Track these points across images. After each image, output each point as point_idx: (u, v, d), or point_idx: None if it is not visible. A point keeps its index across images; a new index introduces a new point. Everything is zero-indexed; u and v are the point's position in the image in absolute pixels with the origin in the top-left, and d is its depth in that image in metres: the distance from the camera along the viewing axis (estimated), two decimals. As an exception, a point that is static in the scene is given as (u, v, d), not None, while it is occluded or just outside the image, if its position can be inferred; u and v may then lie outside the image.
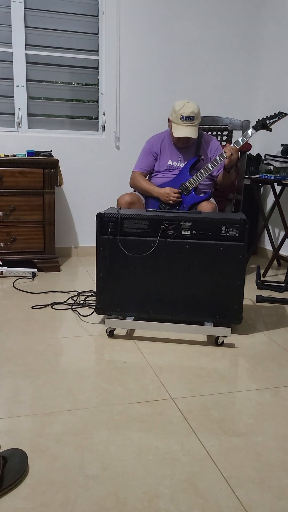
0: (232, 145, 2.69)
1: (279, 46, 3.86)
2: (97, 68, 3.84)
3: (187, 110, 2.70)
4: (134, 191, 3.01)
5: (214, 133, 3.37)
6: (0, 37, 3.59)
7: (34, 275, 3.26)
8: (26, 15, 3.60)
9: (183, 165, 2.85)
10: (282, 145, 3.55)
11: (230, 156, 2.65)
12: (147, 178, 2.98)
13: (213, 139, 2.97)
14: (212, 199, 2.85)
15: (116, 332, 2.30)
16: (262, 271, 3.50)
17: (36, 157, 3.37)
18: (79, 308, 2.65)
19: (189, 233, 2.24)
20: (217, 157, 2.72)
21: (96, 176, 3.93)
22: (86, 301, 2.75)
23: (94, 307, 2.65)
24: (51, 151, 3.55)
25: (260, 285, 3.10)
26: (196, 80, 3.98)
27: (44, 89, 3.79)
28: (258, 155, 3.93)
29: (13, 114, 3.72)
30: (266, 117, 2.65)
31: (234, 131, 3.39)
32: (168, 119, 2.84)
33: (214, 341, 2.21)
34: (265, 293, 3.02)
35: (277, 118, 2.62)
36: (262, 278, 3.37)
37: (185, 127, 2.71)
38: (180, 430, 1.50)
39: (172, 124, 2.78)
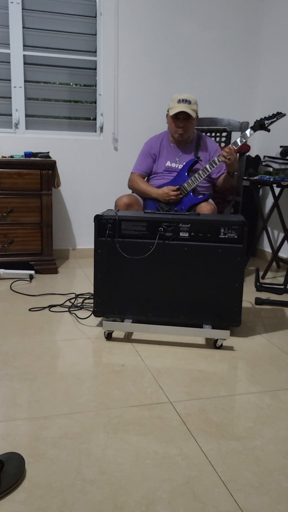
0: (230, 145, 2.69)
1: (277, 47, 3.86)
2: (95, 69, 3.84)
3: (184, 95, 2.77)
4: (132, 192, 3.00)
5: (213, 134, 3.36)
6: (-2, 38, 3.59)
7: (31, 277, 3.25)
8: (23, 16, 3.59)
9: (181, 166, 2.85)
10: (281, 146, 3.54)
11: (227, 160, 2.63)
12: (145, 180, 2.97)
13: (212, 141, 2.97)
14: (211, 200, 2.85)
15: (114, 335, 2.29)
16: (261, 273, 3.49)
17: (33, 159, 3.36)
18: (77, 310, 2.64)
19: (187, 235, 2.23)
20: (216, 159, 2.71)
21: (94, 178, 3.92)
22: (84, 304, 2.74)
23: (92, 309, 2.63)
24: (48, 152, 3.54)
25: (259, 287, 3.09)
26: (195, 81, 3.98)
27: (42, 90, 3.78)
28: (257, 156, 3.93)
29: (11, 115, 3.71)
30: (264, 117, 2.64)
31: (233, 132, 3.38)
32: (167, 115, 2.84)
33: (213, 344, 2.20)
34: (264, 295, 3.01)
35: (275, 118, 2.62)
36: (261, 280, 3.36)
37: (182, 105, 2.74)
38: (179, 434, 1.49)
39: (169, 110, 2.79)
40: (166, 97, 3.90)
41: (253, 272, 3.60)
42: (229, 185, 2.88)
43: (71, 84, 3.84)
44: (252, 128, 2.66)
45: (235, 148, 2.66)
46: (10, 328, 2.35)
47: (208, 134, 3.35)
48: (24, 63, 3.67)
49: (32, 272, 3.28)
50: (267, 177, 3.35)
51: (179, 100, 2.74)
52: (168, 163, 2.88)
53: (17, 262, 3.38)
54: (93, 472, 1.30)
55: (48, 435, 1.46)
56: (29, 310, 2.62)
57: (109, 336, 2.24)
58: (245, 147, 3.34)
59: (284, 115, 2.63)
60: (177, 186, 2.77)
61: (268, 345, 2.22)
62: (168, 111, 2.81)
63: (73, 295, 2.89)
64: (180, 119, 2.75)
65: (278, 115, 2.62)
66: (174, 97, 2.78)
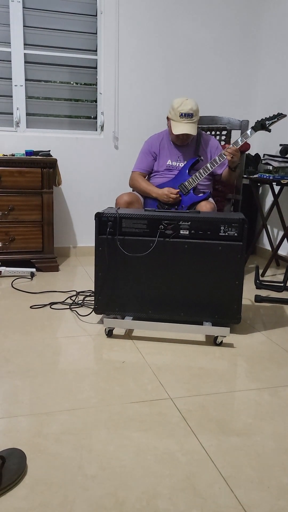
0: (231, 145, 2.69)
1: (278, 46, 3.86)
2: (96, 67, 3.84)
3: (186, 107, 2.69)
4: (133, 191, 3.01)
5: (213, 132, 3.37)
6: (-2, 36, 3.59)
7: (32, 275, 3.25)
8: (24, 15, 3.60)
9: (182, 164, 2.85)
10: (280, 145, 3.55)
11: (231, 159, 2.65)
12: (146, 178, 2.98)
13: (212, 139, 2.97)
14: (211, 199, 2.85)
15: (114, 332, 2.30)
16: (260, 271, 3.50)
17: (34, 157, 3.36)
18: (78, 308, 2.65)
19: (188, 232, 2.23)
20: (217, 157, 2.72)
21: (95, 176, 3.93)
22: (85, 301, 2.75)
23: (92, 306, 2.64)
24: (49, 150, 3.55)
25: (259, 285, 3.10)
26: (195, 80, 3.98)
27: (43, 88, 3.78)
28: (257, 155, 3.93)
29: (12, 113, 3.72)
30: (265, 117, 2.65)
31: (232, 131, 3.39)
32: (167, 117, 2.84)
33: (213, 341, 2.21)
34: (263, 293, 3.02)
35: (276, 119, 2.63)
36: (260, 278, 3.37)
37: (184, 124, 2.71)
38: (179, 430, 1.50)
39: (171, 121, 2.77)
40: (166, 96, 3.91)
41: (252, 270, 3.61)
42: (233, 179, 2.88)
43: (72, 82, 3.85)
44: (253, 128, 2.67)
45: (237, 148, 2.67)
46: (12, 325, 2.36)
47: (208, 132, 3.35)
48: (25, 62, 3.67)
49: (33, 269, 3.28)
50: (267, 175, 3.36)
51: (181, 115, 2.69)
52: (169, 162, 2.89)
53: (18, 260, 3.39)
54: (94, 468, 1.31)
55: (49, 431, 1.47)
56: (30, 307, 2.63)
57: (109, 333, 2.25)
58: (245, 146, 3.35)
59: (285, 115, 2.63)
60: (177, 190, 2.78)
61: (268, 342, 2.23)
62: (168, 117, 2.79)
63: (74, 293, 2.90)
64: (183, 136, 2.76)
65: (279, 116, 2.62)
66: (176, 107, 2.71)
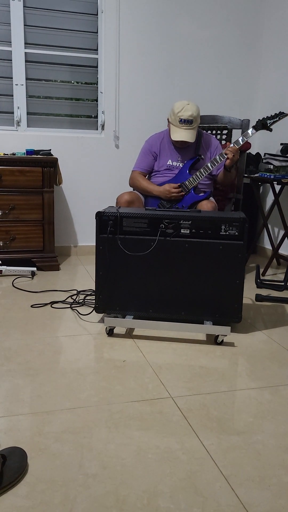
0: (232, 144, 2.69)
1: (279, 45, 3.85)
2: (97, 66, 3.84)
3: (186, 113, 2.68)
4: (133, 190, 3.01)
5: (214, 132, 3.37)
6: (-1, 35, 3.59)
7: (33, 274, 3.26)
8: (25, 14, 3.60)
9: (183, 164, 2.85)
10: (281, 144, 3.55)
11: (232, 158, 2.65)
12: (146, 177, 2.97)
13: (213, 138, 2.96)
14: (212, 198, 2.85)
15: (115, 331, 2.30)
16: (261, 270, 3.50)
17: (35, 156, 3.36)
18: (79, 307, 2.65)
19: (188, 232, 2.23)
20: (217, 157, 2.72)
21: (96, 175, 3.93)
22: (86, 300, 2.75)
23: (93, 306, 2.64)
24: (50, 150, 3.55)
25: (260, 284, 3.10)
26: (196, 79, 3.98)
27: (44, 87, 3.78)
28: (258, 154, 3.93)
29: (12, 112, 3.72)
30: (267, 117, 2.65)
31: (233, 130, 3.39)
32: (168, 119, 2.83)
33: (214, 340, 2.21)
34: (264, 292, 3.02)
35: (277, 118, 2.62)
36: (261, 277, 3.37)
37: (183, 130, 2.71)
38: (180, 429, 1.50)
39: (170, 125, 2.77)
40: (167, 95, 3.91)
41: (253, 269, 3.61)
42: (230, 179, 2.88)
43: (73, 82, 3.85)
44: (254, 127, 2.66)
45: (237, 148, 2.67)
46: (13, 324, 2.36)
47: (209, 131, 3.35)
48: (26, 61, 3.67)
49: (34, 269, 3.29)
50: (268, 174, 3.36)
51: (181, 121, 2.68)
52: (169, 162, 2.88)
53: (19, 259, 3.39)
54: (95, 467, 1.31)
55: (50, 430, 1.47)
56: (31, 306, 2.63)
57: (110, 332, 2.25)
58: (246, 145, 3.34)
59: (287, 115, 2.63)
60: (179, 184, 2.78)
61: (268, 341, 2.23)
62: (169, 120, 2.79)
63: (75, 292, 2.90)
64: (182, 141, 2.76)
65: (281, 115, 2.62)
66: (176, 112, 2.70)
